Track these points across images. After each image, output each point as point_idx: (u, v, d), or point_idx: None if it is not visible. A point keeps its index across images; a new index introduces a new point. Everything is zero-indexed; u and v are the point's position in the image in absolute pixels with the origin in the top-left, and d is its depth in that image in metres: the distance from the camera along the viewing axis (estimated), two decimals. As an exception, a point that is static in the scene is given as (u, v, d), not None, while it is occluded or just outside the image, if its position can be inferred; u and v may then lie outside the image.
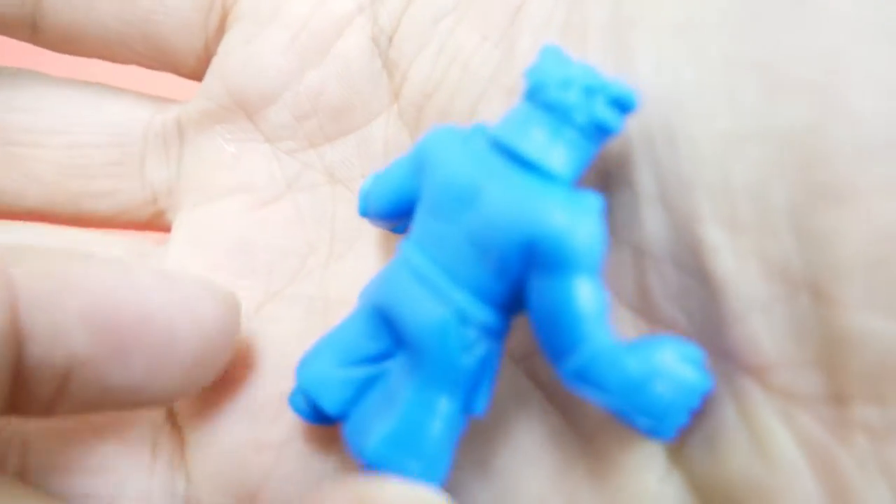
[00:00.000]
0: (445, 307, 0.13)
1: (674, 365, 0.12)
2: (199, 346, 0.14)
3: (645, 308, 0.14)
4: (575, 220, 0.12)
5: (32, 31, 0.18)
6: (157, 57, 0.18)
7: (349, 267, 0.17)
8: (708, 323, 0.13)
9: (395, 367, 0.14)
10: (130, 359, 0.13)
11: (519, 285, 0.13)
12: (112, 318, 0.13)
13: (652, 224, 0.13)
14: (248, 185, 0.18)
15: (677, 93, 0.13)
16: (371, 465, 0.13)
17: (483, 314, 0.13)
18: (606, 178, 0.14)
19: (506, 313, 0.13)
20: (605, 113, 0.13)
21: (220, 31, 0.18)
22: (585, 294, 0.12)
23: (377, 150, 0.17)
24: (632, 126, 0.13)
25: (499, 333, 0.13)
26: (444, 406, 0.13)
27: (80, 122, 0.18)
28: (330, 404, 0.14)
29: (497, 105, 0.15)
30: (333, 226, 0.18)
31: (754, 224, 0.12)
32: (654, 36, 0.14)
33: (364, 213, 0.16)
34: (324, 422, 0.14)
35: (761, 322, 0.12)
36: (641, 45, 0.14)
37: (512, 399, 0.15)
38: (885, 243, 0.12)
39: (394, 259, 0.14)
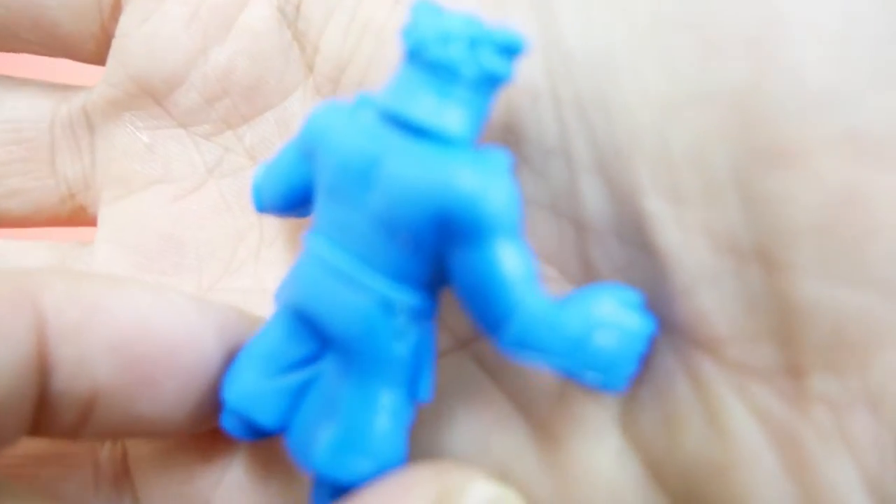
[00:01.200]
0: (367, 297, 0.12)
1: (614, 313, 0.12)
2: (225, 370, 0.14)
3: (590, 282, 0.13)
4: (485, 183, 0.11)
5: None
6: (51, 44, 0.17)
7: (281, 252, 0.16)
8: (656, 297, 0.13)
9: (328, 367, 0.13)
10: (159, 388, 0.13)
11: (438, 260, 0.12)
12: (141, 347, 0.13)
13: (591, 196, 0.13)
14: (167, 174, 0.17)
15: (607, 57, 0.12)
16: (323, 474, 0.12)
17: (407, 297, 0.12)
18: (540, 147, 0.13)
19: (431, 291, 0.12)
20: (493, 62, 0.12)
21: (116, 10, 0.17)
22: (509, 257, 0.11)
23: (297, 128, 0.16)
24: (564, 93, 0.13)
25: (428, 313, 0.12)
26: (387, 399, 0.12)
27: None
28: (266, 419, 0.13)
29: None
30: None
31: (698, 193, 0.12)
32: None
33: (260, 208, 0.15)
34: (262, 437, 0.13)
35: (710, 295, 0.12)
36: (566, 5, 0.13)
37: (459, 385, 0.14)
38: (836, 205, 0.11)
39: (301, 253, 0.13)
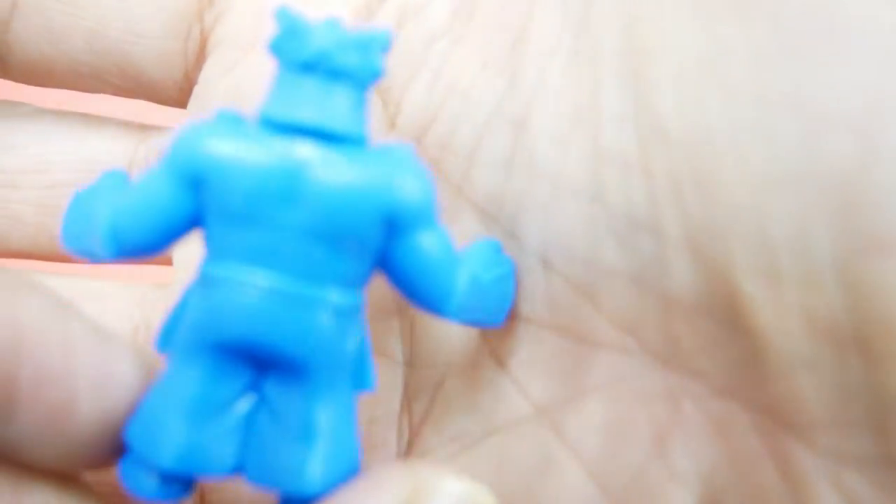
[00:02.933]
0: (318, 310, 0.12)
1: (501, 259, 0.14)
2: (106, 420, 0.12)
3: (673, 357, 0.13)
4: (419, 179, 0.12)
5: (0, 66, 0.17)
6: (134, 87, 0.17)
7: None
8: (745, 377, 0.13)
9: (271, 392, 0.13)
10: (16, 413, 0.12)
11: (376, 256, 0.13)
12: (11, 362, 0.12)
13: (680, 272, 0.13)
14: None
15: (705, 133, 0.12)
16: (316, 495, 0.12)
17: (353, 298, 0.12)
18: (627, 220, 0.13)
19: (365, 285, 0.13)
20: (379, 62, 0.13)
21: (201, 58, 0.17)
22: (444, 240, 0.13)
23: None
24: (657, 167, 0.13)
25: (362, 306, 0.13)
26: (343, 399, 0.13)
27: (59, 159, 0.18)
28: (221, 466, 0.12)
29: (504, 137, 0.14)
30: None
31: (796, 277, 0.12)
32: (676, 69, 0.13)
33: (118, 252, 0.13)
34: (190, 491, 0.13)
35: (806, 379, 0.12)
36: (662, 78, 0.13)
37: (538, 461, 0.14)
38: None
39: (202, 288, 0.12)
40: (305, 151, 0.12)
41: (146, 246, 0.13)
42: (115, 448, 0.13)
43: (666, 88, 0.13)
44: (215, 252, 0.12)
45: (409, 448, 0.16)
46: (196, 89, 0.17)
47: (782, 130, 0.12)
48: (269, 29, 0.16)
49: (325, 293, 0.12)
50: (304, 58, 0.12)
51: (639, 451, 0.13)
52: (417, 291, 0.13)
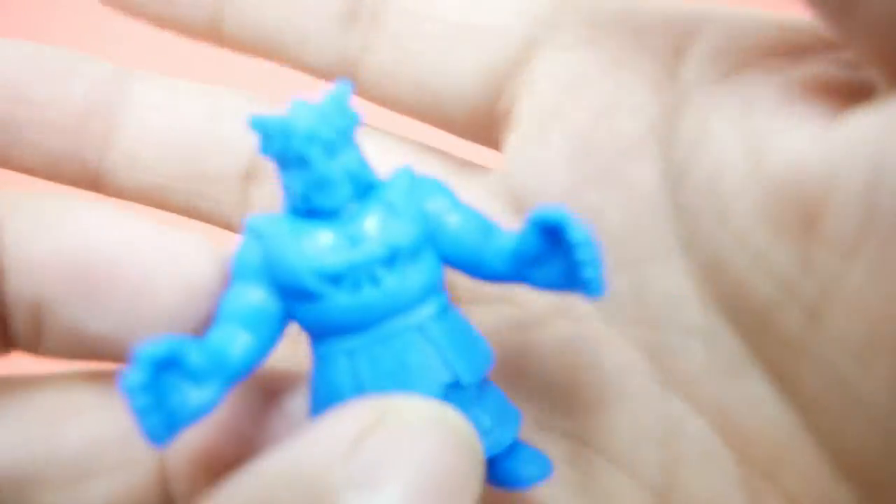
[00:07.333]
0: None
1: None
2: (180, 300, 0.13)
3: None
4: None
5: None
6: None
7: None
8: None
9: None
10: (102, 304, 0.13)
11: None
12: (83, 258, 0.13)
13: None
14: (510, 297, 0.17)
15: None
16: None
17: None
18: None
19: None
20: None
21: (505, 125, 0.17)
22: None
23: (655, 299, 0.15)
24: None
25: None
26: None
27: None
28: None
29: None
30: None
31: None
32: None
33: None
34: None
35: None
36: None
37: None
38: None
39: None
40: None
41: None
42: (189, 331, 0.13)
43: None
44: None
45: None
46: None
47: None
48: (570, 110, 0.16)
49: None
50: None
51: None
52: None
